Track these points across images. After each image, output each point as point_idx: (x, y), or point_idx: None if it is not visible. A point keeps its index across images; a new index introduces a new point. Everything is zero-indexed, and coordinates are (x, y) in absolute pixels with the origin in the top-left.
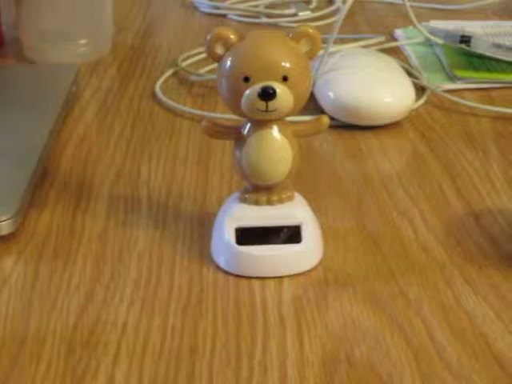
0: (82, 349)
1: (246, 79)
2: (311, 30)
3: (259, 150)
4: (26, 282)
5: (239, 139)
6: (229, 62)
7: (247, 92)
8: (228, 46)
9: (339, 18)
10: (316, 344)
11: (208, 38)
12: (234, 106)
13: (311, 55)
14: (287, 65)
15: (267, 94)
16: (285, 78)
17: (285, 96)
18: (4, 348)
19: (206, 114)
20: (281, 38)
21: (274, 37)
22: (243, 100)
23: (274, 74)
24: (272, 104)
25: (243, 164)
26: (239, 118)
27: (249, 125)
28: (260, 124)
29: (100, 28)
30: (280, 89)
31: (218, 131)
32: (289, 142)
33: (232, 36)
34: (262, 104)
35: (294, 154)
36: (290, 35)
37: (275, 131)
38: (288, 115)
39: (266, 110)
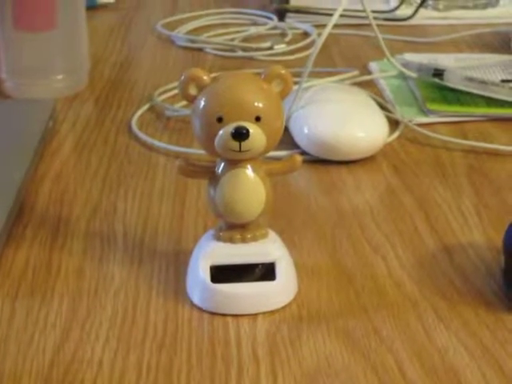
0: None
1: (220, 119)
2: (283, 71)
3: (233, 189)
4: (3, 319)
5: (213, 178)
6: (202, 103)
7: (220, 132)
8: (201, 87)
9: (313, 52)
10: (290, 381)
11: (181, 78)
12: (208, 146)
13: (283, 95)
14: (260, 105)
15: (240, 135)
16: (257, 119)
17: (258, 136)
18: None
19: (181, 149)
20: (253, 79)
21: (246, 78)
22: (217, 140)
23: (246, 114)
24: (245, 144)
25: (217, 202)
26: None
27: (223, 164)
28: (233, 163)
29: (76, 63)
30: (253, 129)
31: (193, 171)
32: (262, 180)
33: (205, 77)
34: (235, 144)
35: (267, 193)
36: (262, 76)
37: (249, 170)
38: (261, 155)
39: (240, 150)
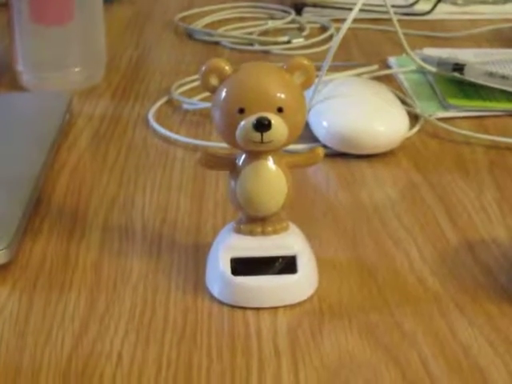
0: (77, 381)
1: (241, 111)
2: (305, 62)
3: (254, 181)
4: (20, 312)
5: (234, 170)
6: (223, 94)
7: (242, 123)
8: (222, 78)
9: (333, 46)
10: (312, 376)
11: (202, 69)
12: (229, 138)
13: (305, 86)
14: (282, 96)
15: (262, 126)
16: (280, 110)
17: (280, 127)
18: None
19: (199, 142)
20: (275, 70)
21: (268, 68)
22: (238, 131)
23: (268, 105)
24: (267, 135)
25: (238, 195)
26: (233, 148)
27: (244, 156)
28: (255, 155)
29: (93, 56)
30: (275, 120)
31: (213, 162)
32: (284, 173)
33: (226, 67)
34: (257, 135)
35: (288, 185)
36: (285, 67)
37: (270, 162)
38: (283, 146)
39: (261, 142)
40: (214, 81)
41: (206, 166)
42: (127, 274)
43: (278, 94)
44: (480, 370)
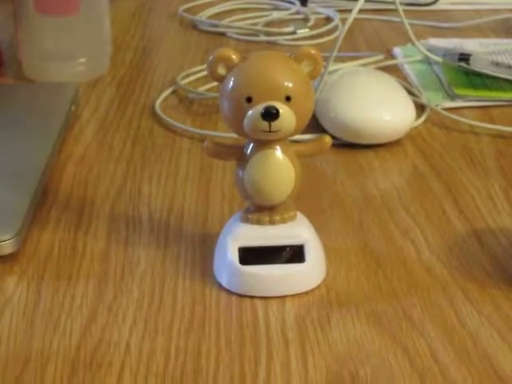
0: (86, 369)
1: (249, 100)
2: (313, 51)
3: (262, 170)
4: (28, 302)
5: (242, 159)
6: (231, 83)
7: (250, 112)
8: (230, 67)
9: (340, 36)
10: (320, 364)
11: (210, 58)
12: (237, 127)
13: (313, 76)
14: (290, 85)
15: (270, 115)
16: (288, 98)
17: (288, 116)
18: (7, 369)
19: (206, 132)
20: (283, 59)
21: (276, 57)
22: (246, 120)
23: (276, 94)
24: (275, 124)
25: (246, 184)
26: (240, 137)
27: (251, 145)
28: (262, 144)
29: (98, 47)
30: (283, 109)
31: (221, 152)
32: (291, 162)
33: (234, 56)
34: (264, 124)
35: (296, 174)
36: (292, 56)
37: (278, 151)
38: (291, 135)
39: (269, 131)
40: (221, 70)
41: (213, 156)
42: (135, 263)
43: (286, 83)
44: (488, 357)
